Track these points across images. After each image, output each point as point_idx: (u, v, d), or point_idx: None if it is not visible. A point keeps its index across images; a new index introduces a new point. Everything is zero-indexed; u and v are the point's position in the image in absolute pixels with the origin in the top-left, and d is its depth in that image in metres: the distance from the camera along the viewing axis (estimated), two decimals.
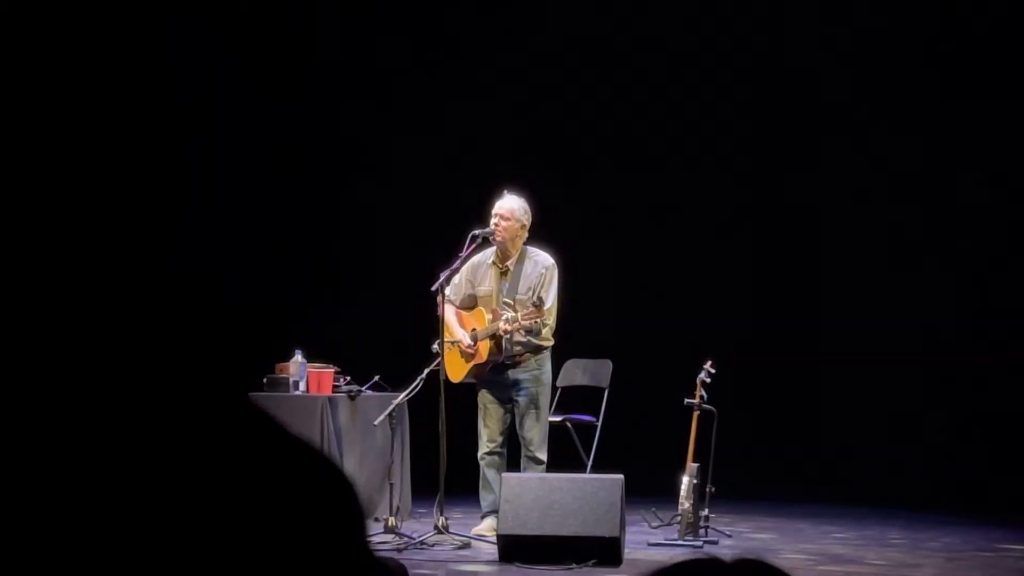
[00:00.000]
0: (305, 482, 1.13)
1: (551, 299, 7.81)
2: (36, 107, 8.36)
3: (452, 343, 7.85)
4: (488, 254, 7.97)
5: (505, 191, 7.94)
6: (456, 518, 7.98)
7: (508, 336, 7.79)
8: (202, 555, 1.07)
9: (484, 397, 8.00)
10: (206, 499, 1.09)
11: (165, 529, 1.07)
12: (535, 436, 7.88)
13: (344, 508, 1.15)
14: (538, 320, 7.65)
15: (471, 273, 8.00)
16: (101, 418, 1.13)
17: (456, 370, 7.90)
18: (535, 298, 7.67)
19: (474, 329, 7.89)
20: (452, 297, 7.97)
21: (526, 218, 7.90)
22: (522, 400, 7.89)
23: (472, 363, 7.88)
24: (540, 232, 8.07)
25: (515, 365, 7.88)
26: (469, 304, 8.02)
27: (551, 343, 7.97)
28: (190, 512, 1.08)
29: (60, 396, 1.14)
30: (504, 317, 7.70)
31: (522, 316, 7.61)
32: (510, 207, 7.87)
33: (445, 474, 7.58)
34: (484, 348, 7.84)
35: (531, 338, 7.82)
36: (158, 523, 1.07)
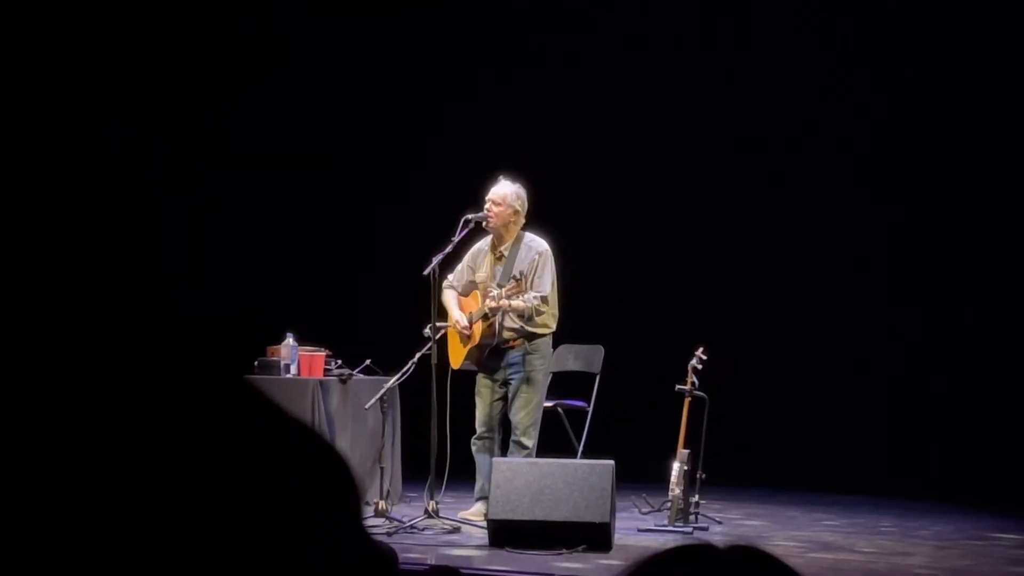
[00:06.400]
0: (301, 462, 1.13)
1: (547, 285, 7.81)
2: (32, 104, 8.34)
3: (445, 326, 7.87)
4: (488, 240, 8.00)
5: (500, 176, 7.94)
6: (447, 503, 7.99)
7: (500, 319, 7.79)
8: (198, 535, 1.06)
9: (479, 381, 8.02)
10: (202, 480, 1.08)
11: (160, 509, 1.06)
12: (521, 420, 7.86)
13: (340, 487, 1.14)
14: (526, 298, 7.65)
15: (472, 260, 8.04)
16: (96, 398, 1.12)
17: (455, 356, 7.93)
18: (515, 272, 7.68)
19: (470, 312, 7.91)
20: (454, 283, 8.01)
21: (519, 204, 7.90)
22: (513, 384, 7.89)
23: (468, 347, 7.89)
24: (534, 216, 8.06)
25: (509, 350, 7.89)
26: (469, 290, 8.05)
27: (550, 330, 7.94)
28: (186, 493, 1.07)
29: (52, 379, 1.14)
30: (490, 295, 7.71)
31: (505, 291, 7.62)
32: (503, 193, 7.88)
33: (436, 458, 7.58)
34: (477, 330, 7.86)
35: (524, 324, 7.81)
36: (153, 504, 1.06)
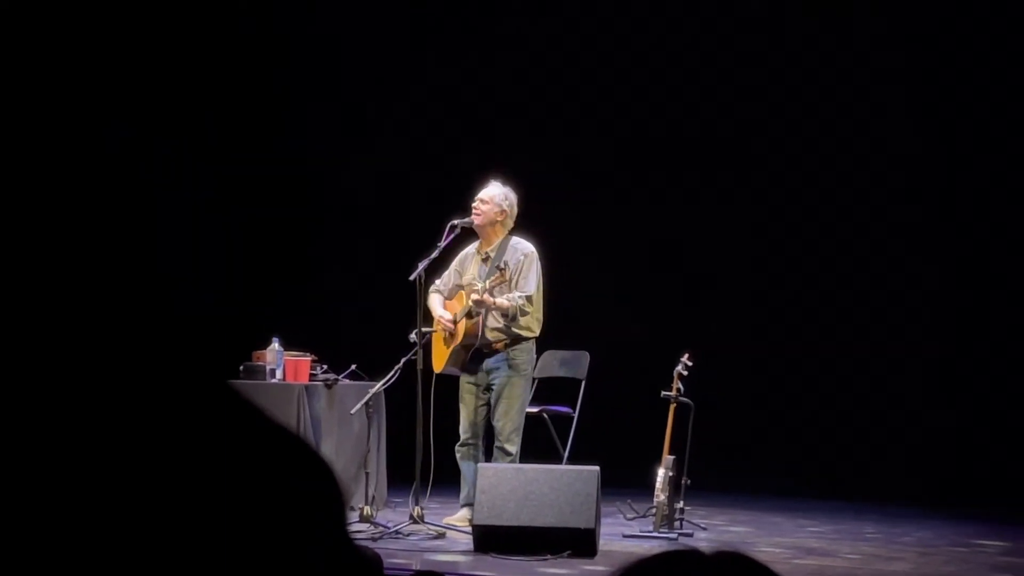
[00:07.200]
0: (286, 467, 1.13)
1: (532, 286, 7.81)
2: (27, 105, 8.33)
3: (431, 331, 7.87)
4: (475, 244, 8.03)
5: (491, 179, 7.96)
6: (433, 508, 7.98)
7: (483, 318, 7.76)
8: (182, 539, 1.06)
9: (463, 387, 8.00)
10: (186, 485, 1.08)
11: (144, 514, 1.06)
12: (503, 426, 7.84)
13: (324, 493, 1.14)
14: (511, 297, 7.66)
15: (459, 264, 8.05)
16: (84, 400, 1.12)
17: (438, 360, 7.91)
18: (499, 262, 7.69)
19: (454, 312, 7.91)
20: (441, 288, 8.01)
21: (506, 204, 7.91)
22: (495, 389, 7.88)
23: (452, 346, 7.86)
24: (522, 220, 8.06)
25: (492, 353, 7.88)
26: (455, 293, 8.05)
27: (533, 334, 7.93)
28: (170, 498, 1.07)
29: (39, 379, 1.14)
30: (474, 289, 7.72)
31: (489, 283, 7.63)
32: (491, 193, 7.91)
33: (421, 464, 7.57)
34: (461, 328, 7.85)
35: (508, 324, 7.80)
36: (136, 508, 1.06)
